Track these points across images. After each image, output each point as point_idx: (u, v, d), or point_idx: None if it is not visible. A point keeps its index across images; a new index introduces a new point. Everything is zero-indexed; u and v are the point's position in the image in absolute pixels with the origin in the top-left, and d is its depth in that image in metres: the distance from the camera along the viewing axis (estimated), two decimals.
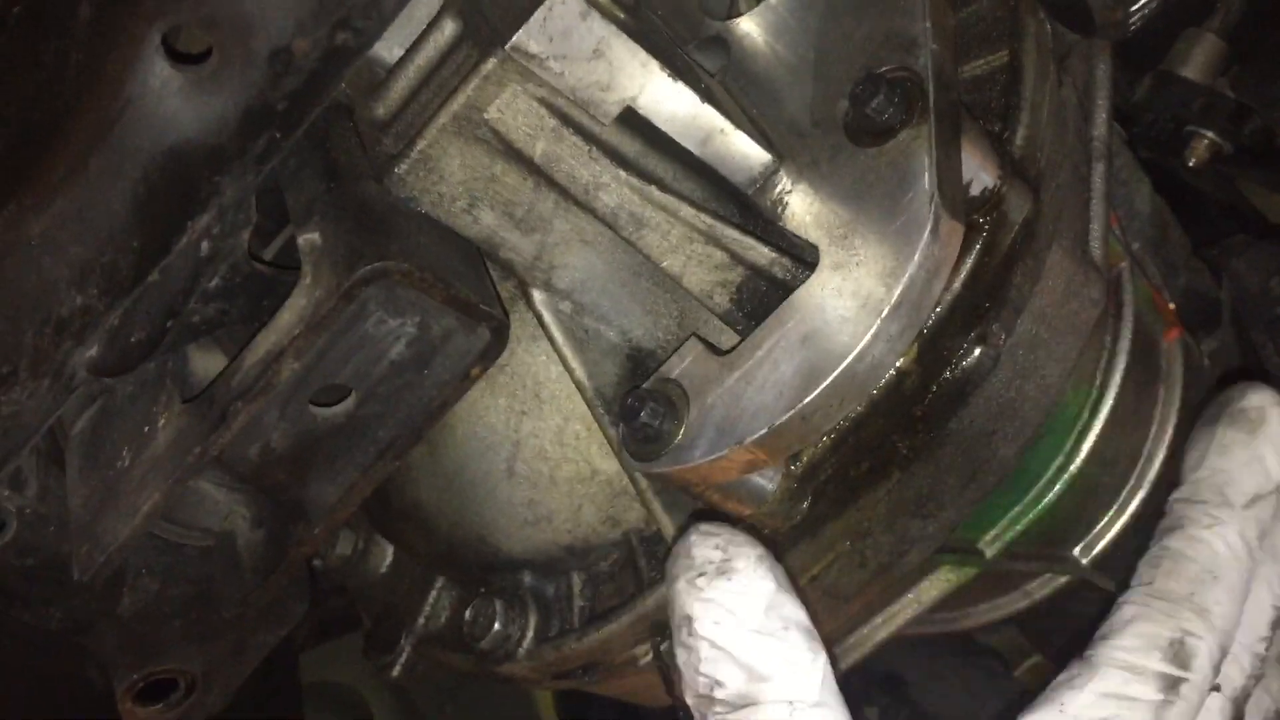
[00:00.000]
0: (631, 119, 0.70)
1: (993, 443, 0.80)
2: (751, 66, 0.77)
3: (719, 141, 0.72)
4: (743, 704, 0.61)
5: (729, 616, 0.63)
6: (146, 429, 0.69)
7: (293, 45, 0.58)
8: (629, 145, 0.71)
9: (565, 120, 0.70)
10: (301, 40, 0.58)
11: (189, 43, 0.59)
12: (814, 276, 0.68)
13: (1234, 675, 0.67)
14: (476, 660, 0.88)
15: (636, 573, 0.82)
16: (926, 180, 0.67)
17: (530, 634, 0.86)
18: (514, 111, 0.68)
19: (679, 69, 0.70)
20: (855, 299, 0.66)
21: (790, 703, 0.61)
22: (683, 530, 0.70)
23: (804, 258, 0.71)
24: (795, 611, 0.64)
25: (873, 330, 0.65)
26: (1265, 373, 1.10)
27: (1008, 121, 0.77)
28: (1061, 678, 0.65)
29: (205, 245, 0.63)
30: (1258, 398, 0.72)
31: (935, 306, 0.72)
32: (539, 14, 0.65)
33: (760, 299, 0.72)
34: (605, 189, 0.71)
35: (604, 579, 0.85)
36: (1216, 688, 0.66)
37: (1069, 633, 1.09)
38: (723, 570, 0.64)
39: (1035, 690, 1.08)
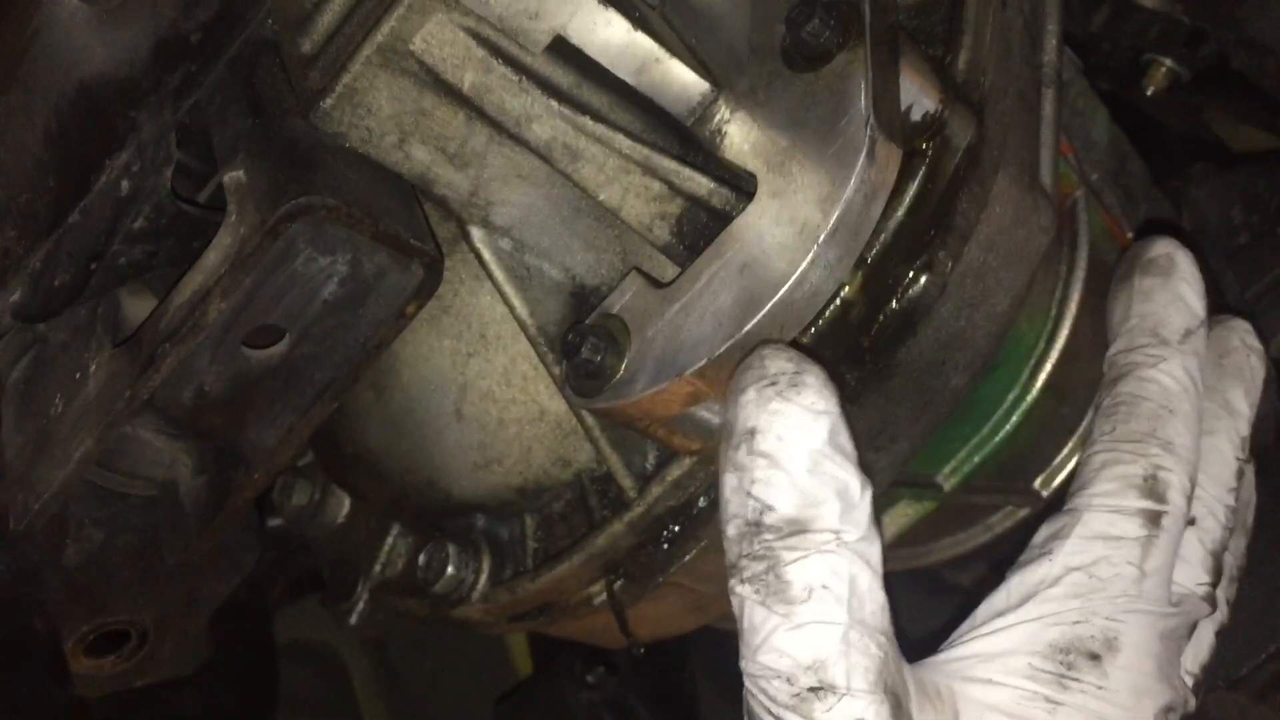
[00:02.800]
0: (563, 48, 0.69)
1: (943, 373, 0.80)
2: None
3: (655, 70, 0.71)
4: (791, 531, 0.57)
5: (796, 432, 0.59)
6: (78, 375, 0.68)
7: None
8: (561, 75, 0.70)
9: (494, 50, 0.68)
10: None
11: None
12: (752, 205, 0.67)
13: (1210, 527, 0.69)
14: (432, 605, 0.88)
15: (588, 512, 0.81)
16: (862, 104, 0.66)
17: (484, 577, 0.86)
18: (440, 42, 0.67)
19: None
20: (792, 226, 0.66)
21: (837, 534, 0.57)
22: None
23: (743, 187, 0.70)
24: (850, 440, 0.61)
25: (810, 256, 0.64)
26: (1225, 304, 1.09)
27: (950, 46, 0.76)
28: (1044, 530, 0.65)
29: (125, 184, 0.62)
30: (1163, 245, 0.75)
31: (878, 235, 0.72)
32: None
33: (700, 230, 0.71)
34: (538, 120, 0.70)
35: (557, 520, 0.84)
36: (1192, 521, 0.67)
37: None
38: (794, 383, 0.60)
39: None
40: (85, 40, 0.57)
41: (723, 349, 0.65)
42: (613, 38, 0.69)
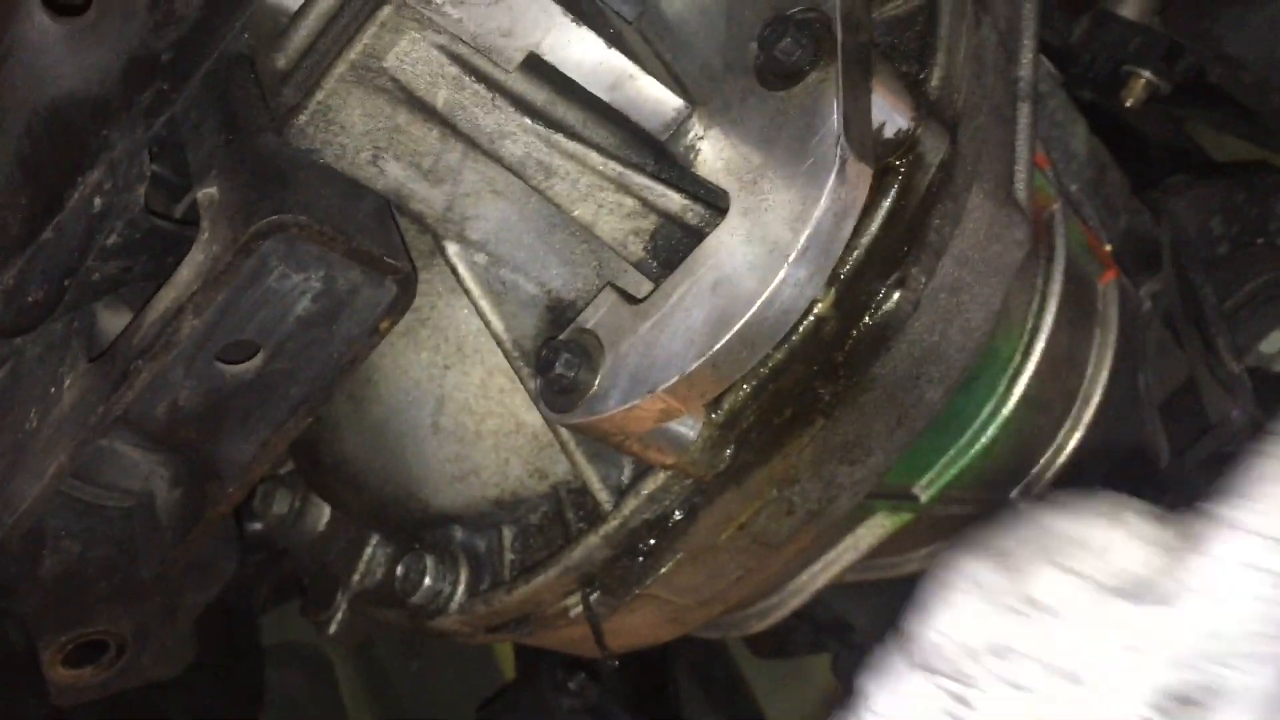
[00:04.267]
0: (537, 65, 0.69)
1: (918, 387, 0.80)
2: (667, 10, 0.76)
3: (629, 87, 0.71)
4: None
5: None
6: (53, 390, 0.68)
7: None
8: (535, 92, 0.70)
9: (467, 67, 0.68)
10: None
11: None
12: (724, 223, 0.68)
13: None
14: (410, 616, 0.88)
15: (565, 525, 0.82)
16: (834, 122, 0.66)
17: (461, 588, 0.86)
18: (413, 60, 0.67)
19: (584, 13, 0.69)
20: (763, 244, 0.66)
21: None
22: None
23: (717, 204, 0.70)
24: None
25: (780, 276, 0.65)
26: (1204, 318, 1.10)
27: (923, 63, 0.76)
28: (1197, 520, 0.55)
29: (98, 201, 0.62)
30: None
31: (851, 251, 0.72)
32: None
33: (674, 246, 0.72)
34: (511, 137, 0.70)
35: (534, 532, 0.85)
36: None
37: None
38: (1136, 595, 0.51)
39: None
40: (56, 59, 0.57)
41: (694, 367, 0.65)
42: (586, 55, 0.69)
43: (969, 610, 0.55)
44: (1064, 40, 1.12)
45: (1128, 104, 1.09)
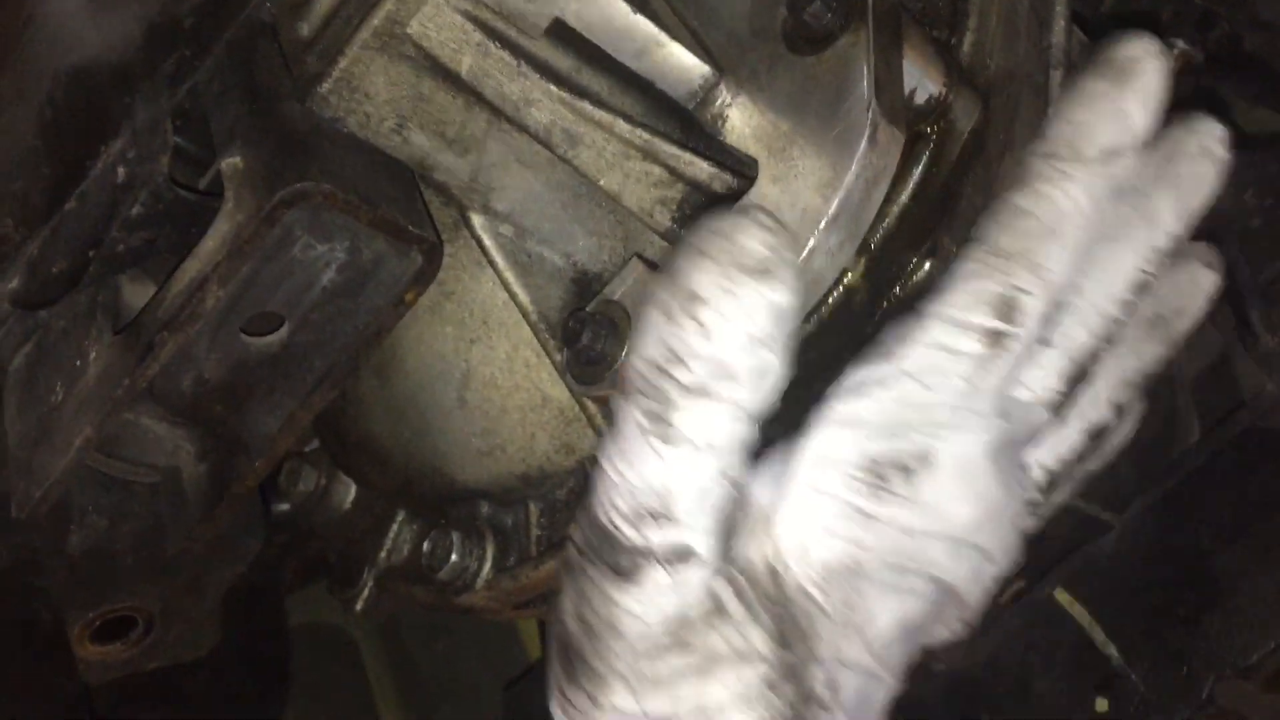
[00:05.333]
0: (563, 32, 0.68)
1: None
2: None
3: (656, 54, 0.70)
4: (695, 391, 0.56)
5: (741, 316, 0.56)
6: (78, 362, 0.68)
7: None
8: (561, 59, 0.69)
9: (492, 34, 0.68)
10: None
11: None
12: (752, 190, 0.67)
13: (1076, 333, 0.66)
14: (436, 592, 0.87)
15: None
16: (864, 87, 0.65)
17: (488, 564, 0.85)
18: (437, 26, 0.66)
19: None
20: (793, 212, 0.65)
21: (745, 411, 0.57)
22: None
23: (745, 172, 0.69)
24: (788, 330, 0.58)
25: (810, 244, 0.64)
26: (1237, 292, 1.08)
27: (955, 28, 0.75)
28: (892, 330, 0.64)
29: (122, 171, 0.61)
30: (1134, 46, 0.65)
31: (882, 220, 0.71)
32: None
33: (702, 215, 0.71)
34: (536, 105, 0.69)
35: (560, 507, 0.84)
36: (1046, 342, 0.65)
37: (1045, 556, 1.09)
38: (763, 272, 0.56)
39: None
40: (79, 26, 0.56)
41: None
42: (613, 21, 0.68)
43: (649, 327, 0.57)
44: (1095, 10, 1.10)
45: None
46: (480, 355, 0.81)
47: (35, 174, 0.59)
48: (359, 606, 0.94)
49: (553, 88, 0.69)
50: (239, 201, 0.62)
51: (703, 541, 0.58)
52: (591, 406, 0.78)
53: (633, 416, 0.57)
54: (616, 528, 0.58)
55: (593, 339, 0.70)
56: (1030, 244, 0.63)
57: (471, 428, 0.83)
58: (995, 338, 0.62)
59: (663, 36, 0.70)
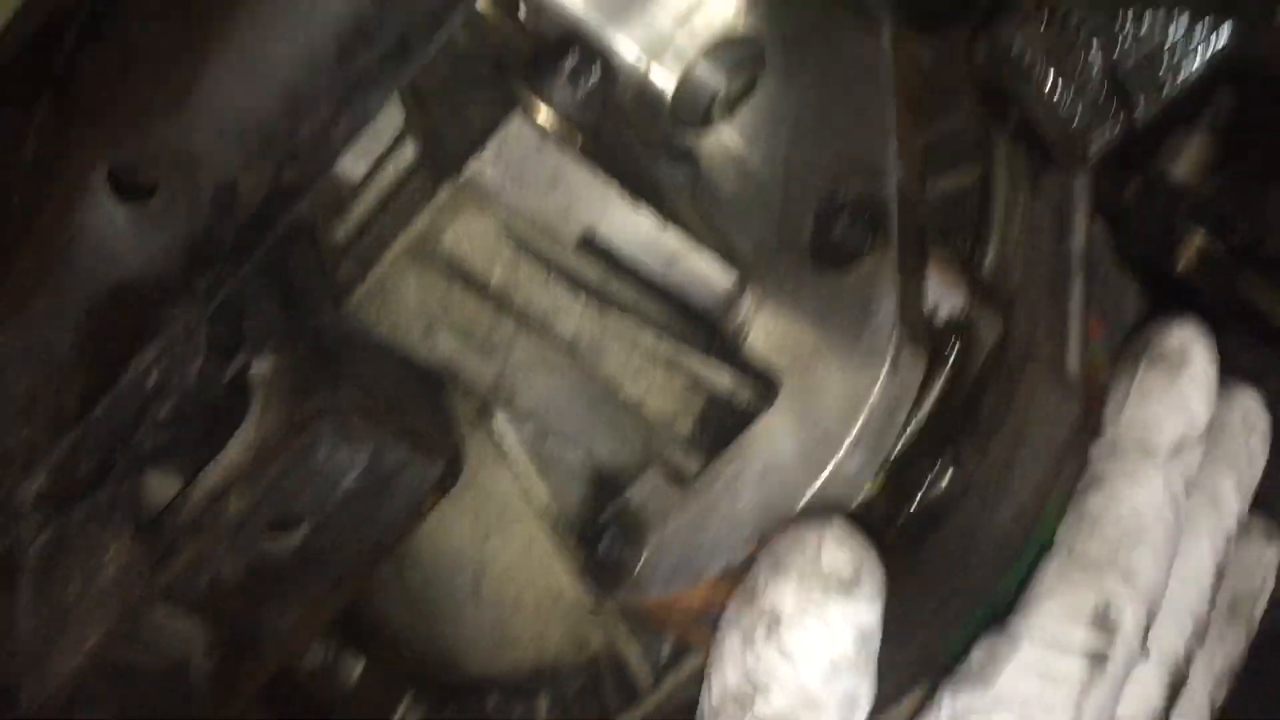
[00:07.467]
0: (593, 243, 0.70)
1: (968, 568, 0.78)
2: (721, 180, 0.77)
3: (682, 265, 0.71)
4: None
5: (825, 639, 0.55)
6: (97, 557, 0.68)
7: (238, 181, 0.57)
8: (589, 270, 0.71)
9: (523, 246, 0.69)
10: (247, 176, 0.57)
11: (134, 178, 0.58)
12: (774, 407, 0.67)
13: (1170, 639, 0.64)
14: None
15: (601, 700, 0.80)
16: (888, 310, 0.66)
17: None
18: (470, 238, 0.68)
19: (641, 192, 0.70)
20: (813, 433, 0.65)
21: None
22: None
23: (767, 385, 0.70)
24: (874, 649, 0.58)
25: (829, 469, 0.64)
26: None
27: (978, 242, 0.76)
28: (983, 647, 0.62)
29: (153, 377, 0.62)
30: (1179, 335, 0.67)
31: (901, 433, 0.71)
32: (493, 143, 0.65)
33: (724, 426, 0.71)
34: (563, 315, 0.70)
35: (570, 703, 0.83)
36: (1144, 654, 0.62)
37: None
38: (846, 590, 0.56)
39: None
40: (121, 244, 0.58)
41: (741, 558, 0.64)
42: (641, 234, 0.70)
43: (727, 654, 0.56)
44: (1114, 203, 1.11)
45: (1179, 268, 1.08)
46: (496, 548, 0.81)
47: (69, 382, 0.60)
48: None
49: (580, 299, 0.70)
50: (266, 408, 0.63)
51: None
52: (607, 607, 0.78)
53: None
54: None
55: (610, 547, 0.70)
56: (1117, 550, 0.60)
57: (485, 620, 0.82)
58: (1098, 658, 0.59)
59: (689, 248, 0.71)
